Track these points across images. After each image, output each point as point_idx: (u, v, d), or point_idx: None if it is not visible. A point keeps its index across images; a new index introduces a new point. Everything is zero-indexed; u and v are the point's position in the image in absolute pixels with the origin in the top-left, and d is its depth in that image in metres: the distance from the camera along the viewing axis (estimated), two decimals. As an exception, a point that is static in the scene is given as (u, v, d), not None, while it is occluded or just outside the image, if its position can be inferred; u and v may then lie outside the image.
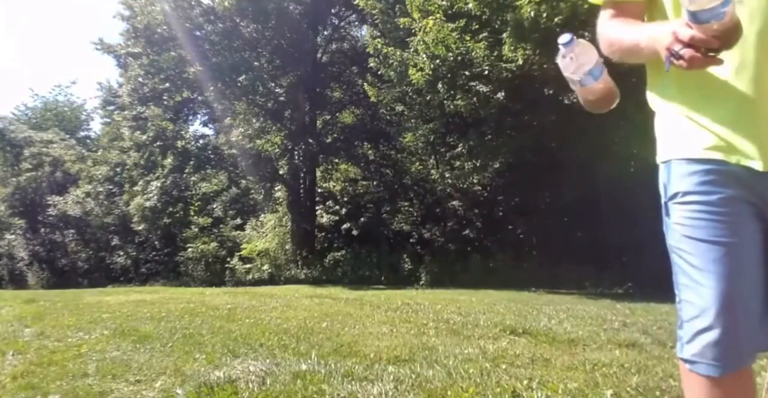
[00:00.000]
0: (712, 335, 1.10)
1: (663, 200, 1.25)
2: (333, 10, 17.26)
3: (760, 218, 1.14)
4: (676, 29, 1.04)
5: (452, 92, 10.30)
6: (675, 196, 1.20)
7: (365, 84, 14.04)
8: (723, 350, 1.09)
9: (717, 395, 1.13)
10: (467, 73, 9.97)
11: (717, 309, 1.09)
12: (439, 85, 10.37)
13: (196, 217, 20.35)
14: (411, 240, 16.04)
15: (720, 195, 1.14)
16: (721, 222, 1.13)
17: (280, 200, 18.37)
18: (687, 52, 1.03)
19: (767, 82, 1.11)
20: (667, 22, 1.16)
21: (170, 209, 19.62)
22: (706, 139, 1.16)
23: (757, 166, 1.11)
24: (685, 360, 1.17)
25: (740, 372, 1.13)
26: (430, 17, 10.11)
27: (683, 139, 1.20)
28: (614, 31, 1.27)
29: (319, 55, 17.41)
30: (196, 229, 19.93)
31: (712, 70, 1.12)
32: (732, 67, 1.12)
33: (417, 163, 16.77)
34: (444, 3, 10.28)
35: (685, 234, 1.16)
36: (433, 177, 14.44)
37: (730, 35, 1.03)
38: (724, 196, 1.13)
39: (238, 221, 20.64)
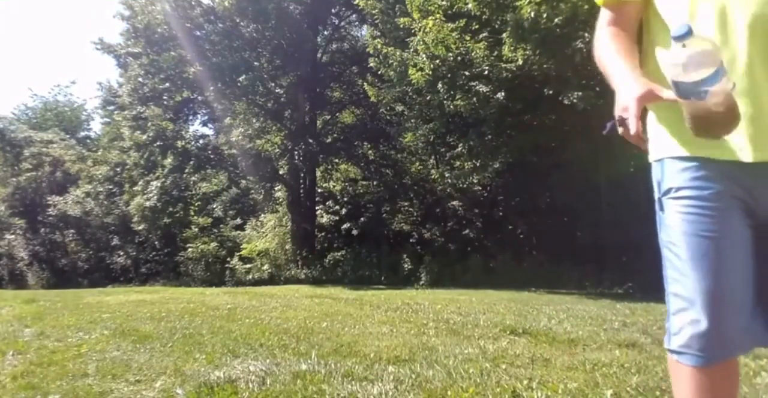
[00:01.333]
0: (699, 327, 1.13)
1: (657, 196, 1.28)
2: (333, 10, 17.27)
3: (749, 214, 1.16)
4: (628, 103, 1.11)
5: (452, 92, 10.31)
6: (669, 191, 1.23)
7: (365, 84, 14.05)
8: (709, 341, 1.12)
9: (703, 385, 1.16)
10: (467, 73, 9.97)
11: (704, 301, 1.12)
12: (439, 85, 10.38)
13: (196, 217, 20.35)
14: (411, 240, 16.05)
15: (711, 190, 1.16)
16: (711, 217, 1.15)
17: (280, 200, 18.38)
18: (630, 125, 1.10)
19: (758, 75, 1.12)
20: (635, 78, 1.18)
21: (170, 209, 19.61)
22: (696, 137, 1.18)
23: (747, 157, 1.12)
24: (672, 351, 1.20)
25: (726, 364, 1.16)
26: (430, 17, 10.11)
27: (675, 137, 1.22)
28: (604, 52, 1.31)
29: (319, 55, 17.42)
30: (196, 229, 19.94)
31: None
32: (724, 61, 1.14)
33: (417, 163, 16.78)
34: (444, 3, 10.29)
35: (677, 229, 1.19)
36: (433, 177, 14.45)
37: (712, 121, 0.97)
38: (716, 191, 1.16)
39: (238, 221, 20.66)
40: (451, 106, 10.42)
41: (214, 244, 18.98)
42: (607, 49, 1.30)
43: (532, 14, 8.43)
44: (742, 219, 1.15)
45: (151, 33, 16.91)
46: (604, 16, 1.37)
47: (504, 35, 9.22)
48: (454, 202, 14.89)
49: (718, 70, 0.94)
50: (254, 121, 16.95)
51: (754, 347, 1.22)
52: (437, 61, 10.09)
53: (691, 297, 1.14)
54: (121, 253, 23.53)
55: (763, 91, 1.11)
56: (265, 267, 16.54)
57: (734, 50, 1.12)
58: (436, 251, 14.69)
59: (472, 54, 9.75)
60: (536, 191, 12.95)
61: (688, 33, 0.96)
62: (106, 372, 3.03)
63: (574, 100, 8.70)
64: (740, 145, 1.12)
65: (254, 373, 2.84)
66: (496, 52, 9.59)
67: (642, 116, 1.12)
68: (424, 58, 10.26)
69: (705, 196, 1.16)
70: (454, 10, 10.20)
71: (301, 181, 17.49)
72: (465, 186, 12.56)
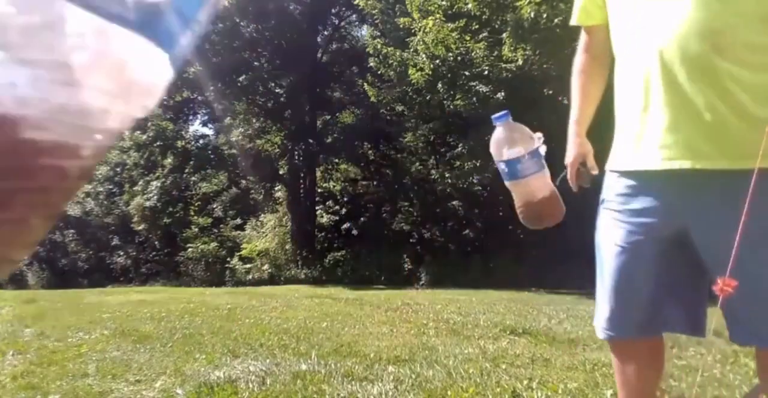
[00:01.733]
0: (606, 312, 1.42)
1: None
2: (333, 10, 17.28)
3: (667, 225, 1.29)
4: (567, 163, 1.53)
5: (452, 92, 10.31)
6: (602, 201, 1.44)
7: (365, 84, 14.04)
8: (611, 323, 1.42)
9: (617, 354, 1.48)
10: (467, 73, 9.97)
11: (610, 295, 1.40)
12: (439, 85, 10.38)
13: (196, 217, 20.35)
14: (411, 240, 16.04)
15: (631, 205, 1.34)
16: (626, 230, 1.35)
17: (280, 200, 18.38)
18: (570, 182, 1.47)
19: (679, 88, 1.20)
20: (574, 139, 1.55)
21: (170, 209, 19.62)
22: (625, 152, 1.35)
23: (660, 165, 1.25)
24: (596, 327, 1.49)
25: (632, 342, 1.43)
26: (430, 17, 10.12)
27: (613, 151, 1.41)
28: (572, 85, 1.54)
29: (319, 55, 17.42)
30: (196, 229, 19.93)
31: (634, 84, 1.28)
32: (643, 79, 1.26)
33: (417, 163, 16.78)
34: (444, 3, 10.29)
35: (600, 234, 1.44)
36: (433, 177, 14.45)
37: (536, 207, 1.07)
38: (634, 206, 1.33)
39: (238, 221, 20.64)
40: (451, 106, 10.42)
41: (214, 244, 18.98)
42: (574, 84, 1.52)
43: (532, 14, 8.43)
44: (657, 231, 1.30)
45: (151, 33, 16.92)
46: (582, 38, 1.52)
47: (504, 35, 9.23)
48: (454, 202, 14.87)
49: (533, 153, 1.00)
50: (254, 121, 16.96)
51: (667, 331, 1.44)
52: (437, 61, 10.09)
53: (603, 290, 1.42)
54: (121, 253, 23.53)
55: (683, 103, 1.20)
56: (265, 267, 16.52)
57: (658, 65, 1.22)
58: (436, 251, 14.68)
59: (472, 54, 9.75)
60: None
61: (505, 116, 1.06)
62: (106, 372, 3.03)
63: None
64: (655, 156, 1.25)
65: (254, 373, 2.84)
66: (496, 52, 9.59)
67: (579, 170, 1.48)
68: (424, 58, 10.27)
69: (623, 210, 1.35)
70: (454, 10, 10.21)
71: (301, 181, 17.49)
72: (465, 186, 12.56)
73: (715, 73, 1.17)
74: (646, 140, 1.27)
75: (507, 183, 1.07)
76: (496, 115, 1.09)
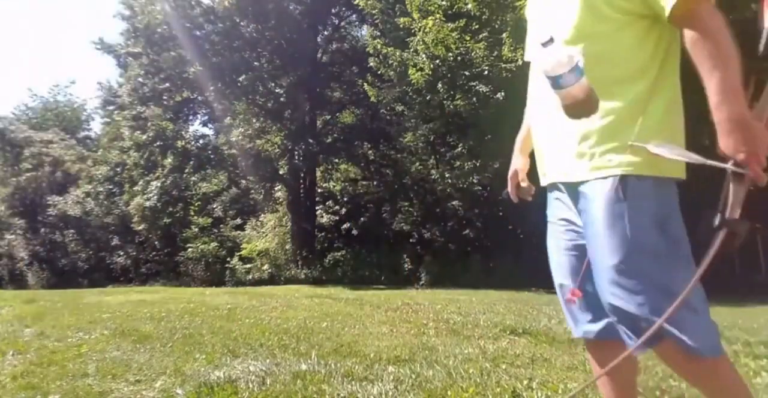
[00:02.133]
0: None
1: None
2: (333, 10, 17.27)
3: (579, 235, 1.43)
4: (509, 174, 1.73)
5: (452, 92, 10.31)
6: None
7: (365, 84, 14.04)
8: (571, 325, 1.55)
9: (588, 354, 1.62)
10: (467, 73, 9.97)
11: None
12: (439, 85, 10.37)
13: (196, 217, 20.35)
14: (411, 240, 16.03)
15: (554, 216, 1.54)
16: (554, 239, 1.53)
17: (280, 200, 18.38)
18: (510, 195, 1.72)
19: (534, 130, 1.53)
20: (515, 156, 1.74)
21: (170, 209, 19.61)
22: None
23: (544, 181, 1.50)
24: None
25: (590, 342, 1.54)
26: (430, 17, 10.12)
27: None
28: (528, 110, 1.70)
29: (319, 55, 17.41)
30: (196, 229, 19.92)
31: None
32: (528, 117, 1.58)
33: (417, 163, 16.77)
34: (444, 3, 10.29)
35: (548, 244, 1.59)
36: (433, 177, 14.44)
37: (577, 105, 1.34)
38: (553, 217, 1.54)
39: (238, 221, 20.64)
40: (451, 106, 10.41)
41: (214, 244, 18.98)
42: (528, 107, 1.68)
43: (532, 14, 8.43)
44: (575, 239, 1.46)
45: (151, 33, 16.91)
46: None
47: (504, 35, 9.22)
48: (454, 202, 14.86)
49: (573, 69, 1.29)
50: (254, 121, 16.95)
51: (591, 336, 1.49)
52: (437, 61, 10.09)
53: None
54: (121, 253, 23.52)
55: (539, 139, 1.49)
56: (265, 267, 16.53)
57: (533, 104, 1.53)
58: (436, 251, 14.67)
59: (472, 54, 9.75)
60: (536, 191, 12.94)
61: (550, 41, 1.31)
62: (106, 372, 3.03)
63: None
64: (543, 174, 1.51)
65: (254, 373, 2.84)
66: (496, 52, 9.59)
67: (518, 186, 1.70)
68: (424, 58, 10.26)
69: (551, 221, 1.55)
70: (454, 10, 10.21)
71: (301, 181, 17.48)
72: (465, 186, 12.55)
73: (551, 113, 1.41)
74: (539, 162, 1.53)
75: (554, 91, 1.34)
76: (543, 40, 1.33)
